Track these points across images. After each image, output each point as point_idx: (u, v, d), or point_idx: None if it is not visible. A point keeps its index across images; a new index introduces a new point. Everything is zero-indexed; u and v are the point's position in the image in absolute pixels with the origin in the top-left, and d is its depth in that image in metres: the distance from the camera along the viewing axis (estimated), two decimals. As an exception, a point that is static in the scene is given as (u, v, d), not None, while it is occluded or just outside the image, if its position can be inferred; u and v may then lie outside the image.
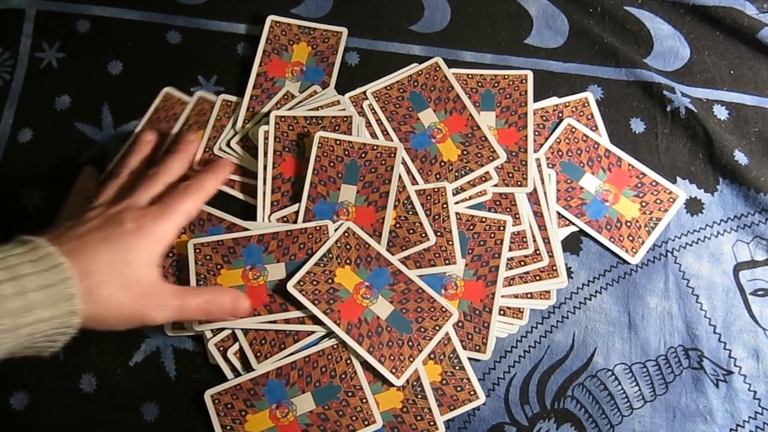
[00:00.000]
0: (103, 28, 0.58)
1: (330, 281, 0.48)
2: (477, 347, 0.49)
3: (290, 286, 0.47)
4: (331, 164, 0.51)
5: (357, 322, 0.47)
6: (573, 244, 0.54)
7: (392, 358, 0.46)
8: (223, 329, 0.48)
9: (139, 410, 0.49)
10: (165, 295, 0.42)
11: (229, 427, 0.46)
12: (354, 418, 0.46)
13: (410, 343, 0.47)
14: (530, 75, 0.57)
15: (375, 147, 0.51)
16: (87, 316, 0.38)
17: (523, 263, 0.52)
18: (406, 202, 0.51)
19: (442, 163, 0.53)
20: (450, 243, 0.50)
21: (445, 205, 0.51)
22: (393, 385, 0.47)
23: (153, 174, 0.47)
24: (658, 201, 0.55)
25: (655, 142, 0.57)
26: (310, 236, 0.49)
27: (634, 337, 0.52)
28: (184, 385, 0.49)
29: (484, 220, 0.52)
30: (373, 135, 0.54)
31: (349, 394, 0.47)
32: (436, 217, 0.51)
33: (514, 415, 0.50)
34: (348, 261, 0.48)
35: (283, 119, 0.52)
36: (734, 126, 0.58)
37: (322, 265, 0.48)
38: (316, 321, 0.47)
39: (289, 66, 0.56)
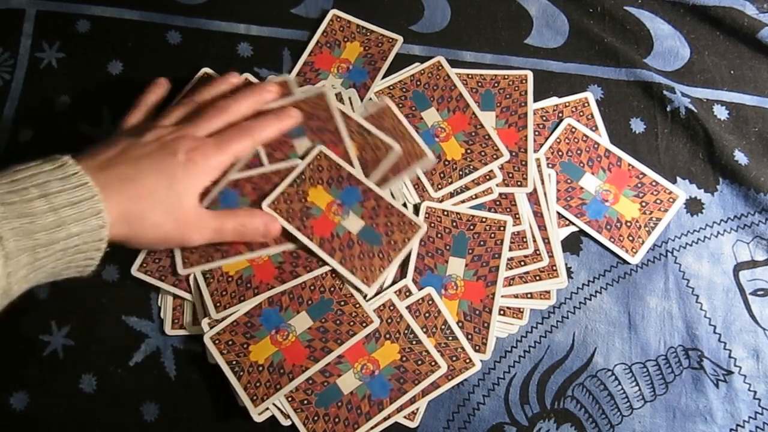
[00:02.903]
0: (103, 28, 0.58)
1: (303, 200, 0.49)
2: (477, 347, 0.49)
3: (265, 206, 0.48)
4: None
5: (329, 237, 0.49)
6: (573, 244, 0.54)
7: (363, 268, 0.48)
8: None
9: (139, 410, 0.49)
10: (204, 219, 0.45)
11: (234, 362, 0.47)
12: (352, 323, 0.48)
13: (380, 255, 0.49)
14: (530, 75, 0.57)
15: (305, 100, 0.51)
16: (128, 237, 0.41)
17: (523, 263, 0.52)
18: (359, 129, 0.51)
19: (446, 162, 0.53)
20: (412, 141, 0.52)
21: (392, 114, 0.52)
22: (365, 295, 0.48)
23: (219, 107, 0.47)
24: (658, 201, 0.55)
25: (655, 142, 0.57)
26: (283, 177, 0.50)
27: (634, 337, 0.52)
28: (184, 385, 0.49)
29: (484, 220, 0.52)
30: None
31: (342, 303, 0.48)
32: (392, 128, 0.52)
33: (514, 415, 0.50)
34: (320, 181, 0.50)
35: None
36: (734, 126, 0.58)
37: (295, 185, 0.49)
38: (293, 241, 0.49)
39: (337, 62, 0.57)
